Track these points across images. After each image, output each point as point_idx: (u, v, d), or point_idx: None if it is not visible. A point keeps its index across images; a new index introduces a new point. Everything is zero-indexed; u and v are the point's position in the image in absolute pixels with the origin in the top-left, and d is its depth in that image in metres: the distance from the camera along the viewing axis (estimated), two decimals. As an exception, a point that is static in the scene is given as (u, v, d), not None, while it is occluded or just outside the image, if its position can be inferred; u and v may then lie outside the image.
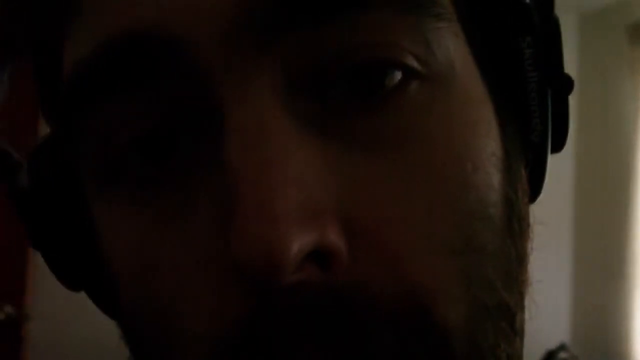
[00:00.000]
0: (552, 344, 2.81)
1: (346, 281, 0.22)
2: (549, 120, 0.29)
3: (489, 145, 0.26)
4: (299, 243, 0.21)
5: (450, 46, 0.25)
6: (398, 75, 0.24)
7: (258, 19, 0.22)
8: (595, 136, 3.01)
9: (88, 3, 0.25)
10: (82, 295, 0.32)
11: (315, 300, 0.22)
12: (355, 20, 0.23)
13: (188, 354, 0.24)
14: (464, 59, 0.26)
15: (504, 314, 0.25)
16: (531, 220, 0.29)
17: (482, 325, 0.24)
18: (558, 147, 0.31)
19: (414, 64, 0.24)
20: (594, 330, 2.91)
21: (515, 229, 0.27)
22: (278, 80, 0.23)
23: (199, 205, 0.24)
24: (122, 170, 0.25)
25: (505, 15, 0.28)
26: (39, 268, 1.64)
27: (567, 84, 0.30)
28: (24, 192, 0.31)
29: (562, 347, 2.80)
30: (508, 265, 0.26)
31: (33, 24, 0.28)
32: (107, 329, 0.32)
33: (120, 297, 0.27)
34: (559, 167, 3.11)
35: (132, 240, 0.25)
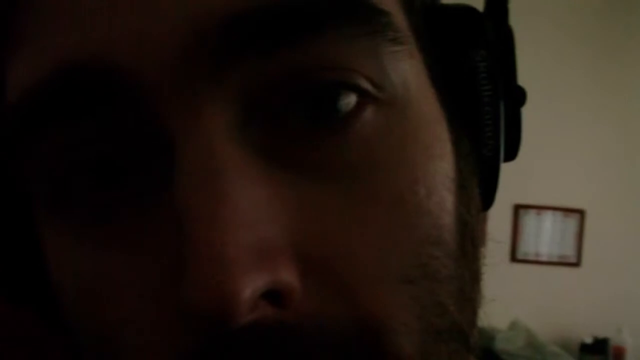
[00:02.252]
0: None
1: (300, 316, 0.22)
2: (502, 133, 0.30)
3: (442, 167, 0.26)
4: (251, 287, 0.21)
5: (406, 69, 0.25)
6: (353, 99, 0.24)
7: (207, 48, 0.22)
8: None
9: (31, 30, 0.24)
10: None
11: (269, 338, 0.22)
12: (309, 45, 0.23)
13: None
14: (420, 80, 0.26)
15: (457, 335, 0.26)
16: (483, 235, 0.30)
17: (435, 349, 0.25)
18: (510, 156, 0.31)
19: (369, 87, 0.24)
20: None
21: (468, 250, 0.27)
22: (230, 110, 0.22)
23: (150, 237, 0.23)
24: (70, 196, 0.25)
25: (459, 29, 0.29)
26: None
27: (520, 96, 0.30)
28: None
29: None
30: (462, 287, 0.26)
31: None
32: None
33: (69, 322, 0.27)
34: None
35: (80, 268, 0.25)
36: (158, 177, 0.23)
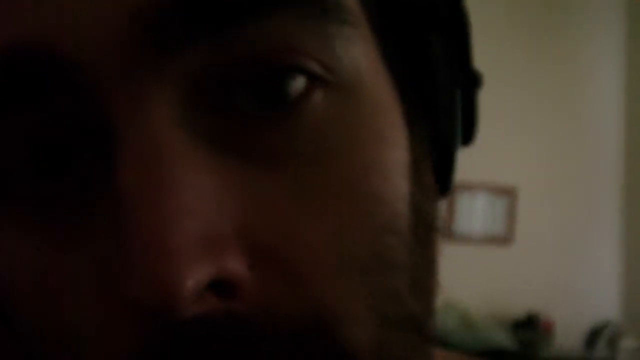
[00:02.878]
0: (600, 319, 2.89)
1: (248, 307, 0.21)
2: (458, 117, 0.29)
3: (397, 153, 0.25)
4: (195, 278, 0.20)
5: (358, 52, 0.24)
6: (301, 82, 0.23)
7: (149, 32, 0.21)
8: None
9: None
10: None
11: (216, 329, 0.21)
12: (254, 28, 0.22)
13: None
14: (373, 64, 0.25)
15: (413, 325, 0.25)
16: (439, 223, 0.29)
17: (391, 339, 0.24)
18: (467, 140, 0.31)
19: (318, 70, 0.23)
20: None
21: (423, 237, 0.26)
22: (175, 96, 0.22)
23: (94, 229, 0.22)
24: (10, 187, 0.23)
25: (413, 11, 0.28)
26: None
27: (476, 79, 0.30)
28: None
29: (606, 325, 2.88)
30: (416, 276, 0.26)
31: None
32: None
33: (18, 318, 0.26)
34: (607, 139, 3.16)
35: (24, 262, 0.24)
36: (103, 167, 0.22)
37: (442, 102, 0.28)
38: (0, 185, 0.23)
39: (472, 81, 0.29)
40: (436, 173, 0.29)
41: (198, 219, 0.21)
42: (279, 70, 0.22)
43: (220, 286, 0.21)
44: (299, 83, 0.23)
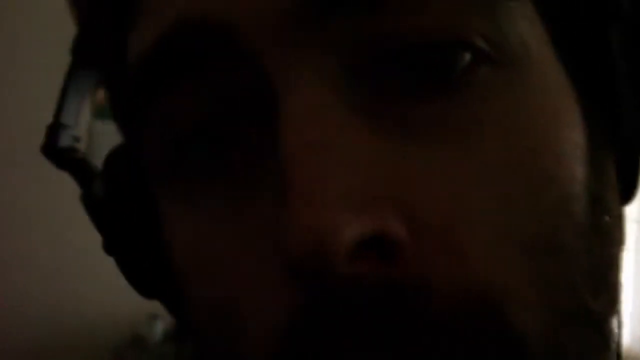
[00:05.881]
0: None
1: (408, 274, 0.20)
2: None
3: (571, 136, 0.24)
4: (353, 230, 0.19)
5: (525, 29, 0.23)
6: (466, 57, 0.22)
7: (312, 3, 0.21)
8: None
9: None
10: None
11: (373, 294, 0.20)
12: (422, 2, 0.21)
13: (249, 354, 0.23)
14: (541, 43, 0.24)
15: (589, 320, 0.23)
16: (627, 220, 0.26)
17: (563, 332, 0.22)
18: None
19: (484, 46, 0.22)
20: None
21: (603, 227, 0.24)
22: (333, 67, 0.22)
23: (261, 198, 0.23)
24: (183, 163, 0.25)
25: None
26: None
27: None
28: (98, 199, 0.31)
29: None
30: (594, 267, 0.23)
31: (102, 24, 0.29)
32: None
33: (185, 297, 0.26)
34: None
35: (194, 236, 0.25)
36: (268, 136, 0.22)
37: (624, 97, 0.26)
38: (170, 162, 0.25)
39: None
40: (619, 177, 0.26)
41: (357, 174, 0.20)
42: (443, 46, 0.22)
43: (379, 245, 0.20)
44: (463, 59, 0.22)
